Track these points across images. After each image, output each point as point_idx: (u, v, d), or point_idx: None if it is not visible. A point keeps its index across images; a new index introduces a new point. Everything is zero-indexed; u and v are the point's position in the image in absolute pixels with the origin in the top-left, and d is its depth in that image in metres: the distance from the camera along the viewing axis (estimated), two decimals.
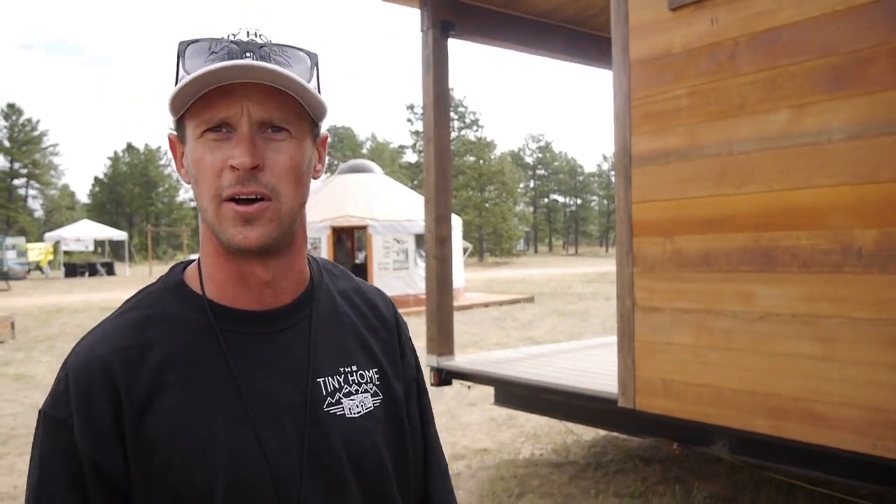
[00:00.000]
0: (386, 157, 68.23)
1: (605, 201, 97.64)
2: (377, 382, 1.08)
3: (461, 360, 5.40)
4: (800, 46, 3.07)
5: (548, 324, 14.12)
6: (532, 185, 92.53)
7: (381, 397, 1.07)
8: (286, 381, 0.99)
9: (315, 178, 1.02)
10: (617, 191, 3.85)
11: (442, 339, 5.22)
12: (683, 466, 5.14)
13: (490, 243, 55.87)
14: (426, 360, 5.28)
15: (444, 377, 5.21)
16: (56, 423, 0.93)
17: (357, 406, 1.03)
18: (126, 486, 0.92)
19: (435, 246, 5.18)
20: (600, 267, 40.16)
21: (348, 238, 19.44)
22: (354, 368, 1.06)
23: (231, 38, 0.94)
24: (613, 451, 5.70)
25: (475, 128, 59.59)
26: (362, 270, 17.23)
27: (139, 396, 0.93)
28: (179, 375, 0.95)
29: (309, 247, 1.08)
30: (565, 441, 6.01)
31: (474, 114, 60.71)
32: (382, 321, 1.15)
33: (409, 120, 58.12)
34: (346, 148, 73.61)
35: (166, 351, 0.96)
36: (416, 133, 56.60)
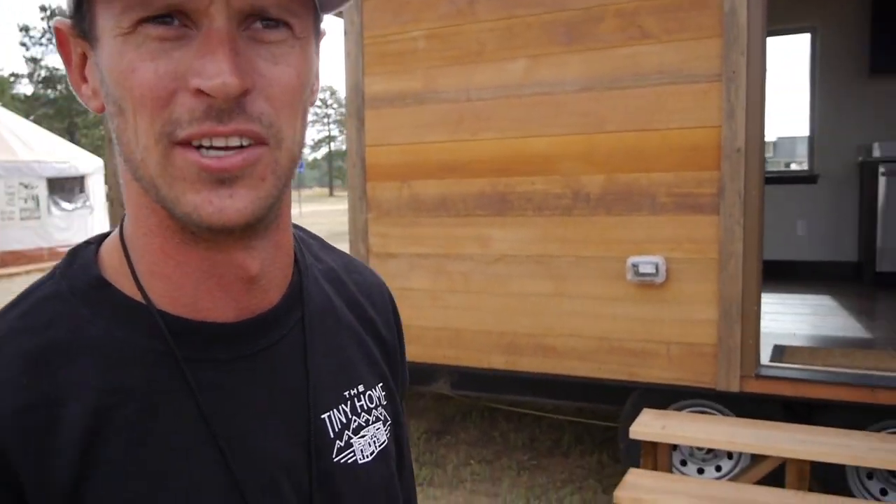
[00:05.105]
0: None
1: None
2: (384, 403, 0.76)
3: None
4: None
5: None
6: None
7: (391, 422, 0.77)
8: (282, 427, 0.65)
9: (311, 105, 0.63)
10: (349, 133, 3.68)
11: None
12: None
13: None
14: None
15: None
16: None
17: (369, 444, 0.72)
18: None
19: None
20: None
21: None
22: (361, 389, 0.73)
23: None
24: None
25: None
26: None
27: (59, 490, 0.55)
28: (124, 443, 0.57)
29: None
30: None
31: None
32: (381, 313, 0.81)
33: (24, 44, 49.84)
34: None
35: (95, 405, 0.57)
36: (33, 60, 48.82)
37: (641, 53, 3.03)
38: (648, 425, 2.86)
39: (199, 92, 0.52)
